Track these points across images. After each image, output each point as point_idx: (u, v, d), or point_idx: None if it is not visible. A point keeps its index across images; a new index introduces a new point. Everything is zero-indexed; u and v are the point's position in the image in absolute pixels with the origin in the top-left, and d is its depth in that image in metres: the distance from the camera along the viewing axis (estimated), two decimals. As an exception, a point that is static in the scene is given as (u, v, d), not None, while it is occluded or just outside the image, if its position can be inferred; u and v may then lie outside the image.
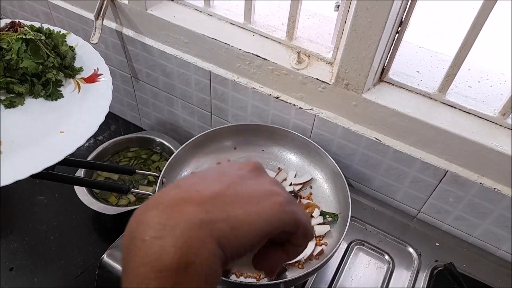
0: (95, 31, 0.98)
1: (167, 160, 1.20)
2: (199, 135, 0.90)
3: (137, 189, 1.08)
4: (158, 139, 1.16)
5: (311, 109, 0.88)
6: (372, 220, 0.90)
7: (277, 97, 0.91)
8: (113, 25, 1.04)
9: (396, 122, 0.80)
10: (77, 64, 0.80)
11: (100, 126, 0.70)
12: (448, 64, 0.72)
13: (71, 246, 1.01)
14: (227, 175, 0.32)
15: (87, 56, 0.82)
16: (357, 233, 0.87)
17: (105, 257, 0.80)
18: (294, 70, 0.85)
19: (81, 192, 0.99)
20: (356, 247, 0.86)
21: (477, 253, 0.86)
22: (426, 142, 0.79)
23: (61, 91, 0.76)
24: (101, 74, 0.77)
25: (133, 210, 0.96)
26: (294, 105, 0.89)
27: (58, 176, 0.75)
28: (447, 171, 0.79)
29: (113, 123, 1.31)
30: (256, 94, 0.93)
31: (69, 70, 0.78)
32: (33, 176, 0.61)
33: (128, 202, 1.04)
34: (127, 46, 1.06)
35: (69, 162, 0.83)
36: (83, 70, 0.79)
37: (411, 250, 0.85)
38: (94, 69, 0.79)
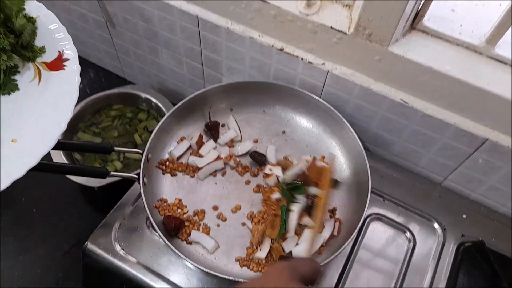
0: (52, -34, 0.78)
1: (156, 119, 1.05)
2: (187, 98, 0.75)
3: (124, 155, 0.96)
4: (143, 95, 1.00)
5: (323, 64, 0.72)
6: (391, 190, 0.79)
7: (281, 49, 0.74)
8: (74, -44, 0.84)
9: (428, 81, 0.65)
10: (38, 43, 0.59)
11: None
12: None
13: (56, 219, 0.92)
14: None
15: (52, 32, 0.60)
16: (373, 206, 0.77)
17: (88, 244, 0.71)
18: (302, 16, 0.67)
19: (60, 161, 0.87)
20: (372, 222, 0.76)
21: (509, 225, 0.76)
22: (463, 105, 0.65)
23: (16, 81, 0.56)
24: (68, 60, 0.57)
25: (120, 181, 0.82)
26: (301, 58, 0.73)
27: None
28: (487, 139, 0.66)
29: (92, 72, 1.15)
30: (255, 44, 0.76)
31: (28, 51, 0.58)
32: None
33: (114, 170, 0.93)
34: (95, -17, 0.86)
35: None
36: (45, 51, 0.59)
37: (435, 224, 0.75)
38: (59, 51, 0.58)
